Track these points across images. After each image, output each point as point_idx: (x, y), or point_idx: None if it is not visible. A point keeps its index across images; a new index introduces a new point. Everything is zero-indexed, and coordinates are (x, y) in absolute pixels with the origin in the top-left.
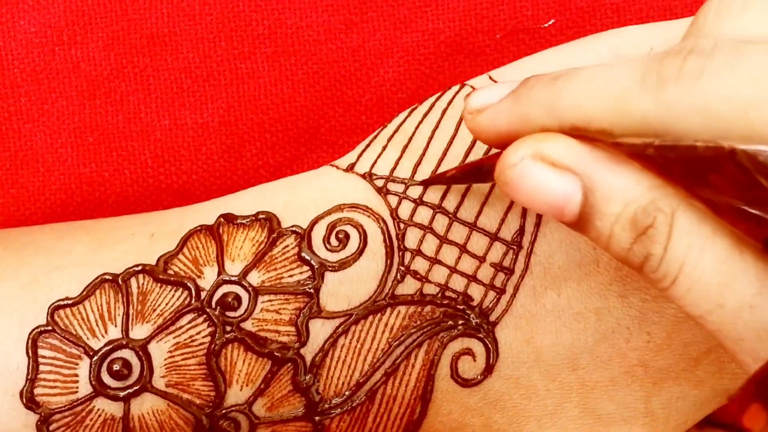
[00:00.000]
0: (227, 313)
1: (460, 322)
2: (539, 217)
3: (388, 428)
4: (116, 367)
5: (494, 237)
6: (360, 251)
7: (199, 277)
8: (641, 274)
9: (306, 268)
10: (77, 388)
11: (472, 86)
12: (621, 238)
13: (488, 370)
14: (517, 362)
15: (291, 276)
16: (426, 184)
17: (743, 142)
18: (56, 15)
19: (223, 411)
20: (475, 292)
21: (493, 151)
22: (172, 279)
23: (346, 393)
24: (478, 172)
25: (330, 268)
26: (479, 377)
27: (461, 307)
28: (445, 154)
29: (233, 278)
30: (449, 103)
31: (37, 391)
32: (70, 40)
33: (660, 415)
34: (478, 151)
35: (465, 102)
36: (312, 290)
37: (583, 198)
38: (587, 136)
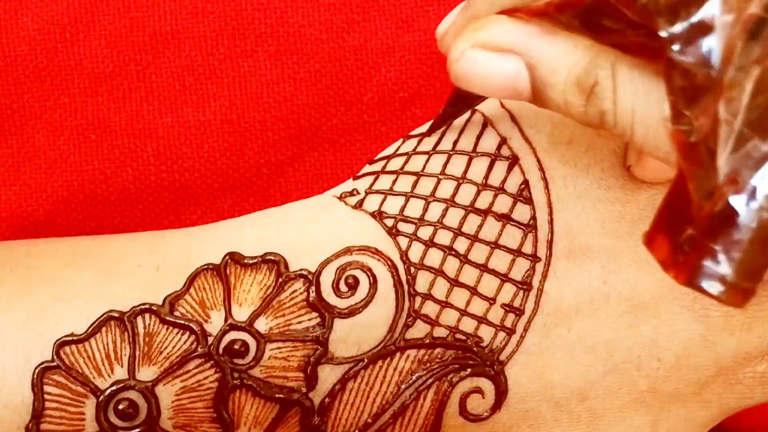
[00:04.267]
0: (235, 360)
1: (470, 363)
2: (549, 257)
3: None
4: (123, 407)
5: (505, 278)
6: (370, 297)
7: (205, 321)
8: (608, 133)
9: (315, 314)
10: (83, 425)
11: (483, 113)
12: (574, 103)
13: (497, 406)
14: (526, 397)
15: (300, 323)
16: (431, 132)
17: None
18: (59, 12)
19: None
20: (485, 333)
21: None
22: (178, 321)
23: None
24: (463, 97)
25: (339, 315)
26: (488, 413)
27: (472, 348)
28: (455, 193)
29: (241, 324)
30: (460, 134)
31: (42, 427)
32: (72, 38)
33: None
34: (488, 194)
35: (436, 35)
36: (321, 338)
37: (529, 74)
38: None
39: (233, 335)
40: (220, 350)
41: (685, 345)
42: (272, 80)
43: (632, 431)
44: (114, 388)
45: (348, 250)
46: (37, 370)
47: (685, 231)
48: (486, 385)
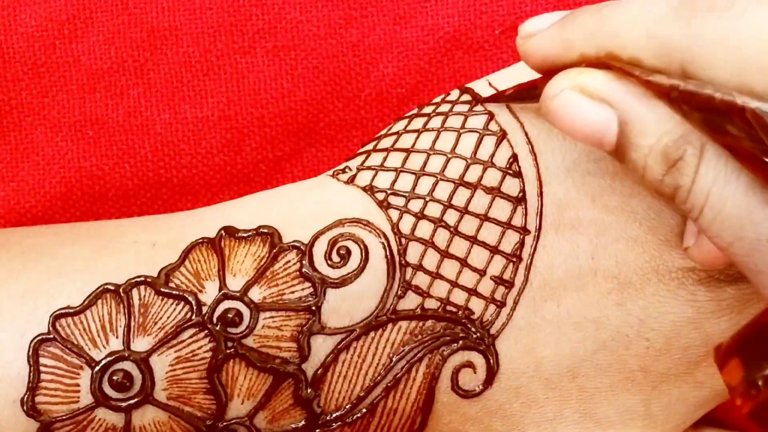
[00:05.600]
0: (229, 329)
1: (461, 335)
2: (539, 229)
3: None
4: (117, 378)
5: (495, 250)
6: (361, 267)
7: (200, 291)
8: (673, 204)
9: (308, 284)
10: (78, 397)
11: (471, 92)
12: (654, 169)
13: (489, 381)
14: (518, 373)
15: (293, 292)
16: (485, 101)
17: (761, 83)
18: (57, 9)
19: (225, 423)
20: (476, 305)
21: None
22: (173, 292)
23: (347, 406)
24: (532, 93)
25: (331, 285)
26: (479, 389)
27: (462, 321)
28: (445, 167)
29: (234, 294)
30: (450, 110)
31: (38, 399)
32: (70, 34)
33: (659, 417)
34: (477, 168)
35: (519, 29)
36: (314, 307)
37: (619, 129)
38: (624, 71)
39: (227, 304)
40: (214, 319)
41: (673, 326)
42: (270, 76)
43: (624, 409)
44: (109, 359)
45: (340, 222)
46: (33, 343)
47: (766, 369)
48: (477, 359)
